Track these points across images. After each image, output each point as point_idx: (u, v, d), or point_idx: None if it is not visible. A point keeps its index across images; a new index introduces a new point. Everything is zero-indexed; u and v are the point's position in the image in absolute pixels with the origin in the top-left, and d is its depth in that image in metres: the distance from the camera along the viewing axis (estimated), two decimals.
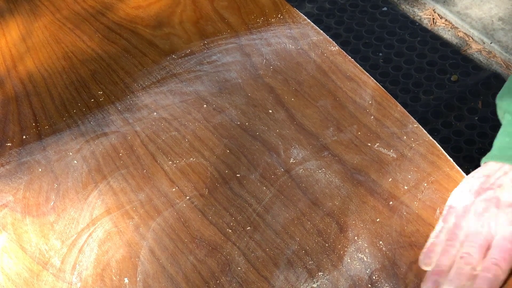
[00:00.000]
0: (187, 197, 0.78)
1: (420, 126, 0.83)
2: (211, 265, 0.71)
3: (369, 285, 0.68)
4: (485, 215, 0.64)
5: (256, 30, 0.99)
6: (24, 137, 0.87)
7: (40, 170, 0.82)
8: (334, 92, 0.88)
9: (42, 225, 0.76)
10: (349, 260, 0.70)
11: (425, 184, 0.76)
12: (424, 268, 0.66)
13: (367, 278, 0.68)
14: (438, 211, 0.74)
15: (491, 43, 2.00)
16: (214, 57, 0.95)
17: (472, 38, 2.05)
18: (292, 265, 0.70)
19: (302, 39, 0.97)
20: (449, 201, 0.68)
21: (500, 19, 2.09)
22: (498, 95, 0.72)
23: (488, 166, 0.68)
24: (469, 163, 1.59)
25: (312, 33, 0.97)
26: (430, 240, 0.67)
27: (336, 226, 0.73)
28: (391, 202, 0.75)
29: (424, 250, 0.67)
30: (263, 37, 0.97)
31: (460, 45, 2.04)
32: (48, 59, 0.98)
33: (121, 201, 0.78)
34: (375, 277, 0.68)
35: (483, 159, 0.70)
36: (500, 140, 0.70)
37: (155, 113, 0.88)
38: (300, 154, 0.81)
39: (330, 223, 0.73)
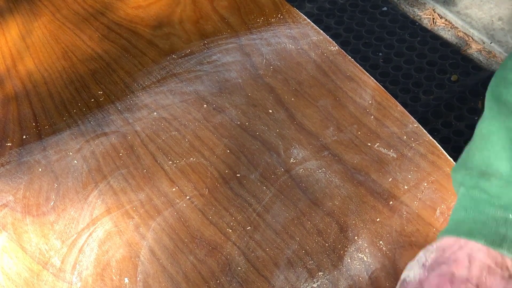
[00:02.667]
0: (187, 197, 0.77)
1: (420, 126, 0.83)
2: (211, 264, 0.71)
3: (369, 285, 0.68)
4: None
5: (256, 30, 0.99)
6: (24, 137, 0.87)
7: (40, 170, 0.82)
8: (334, 92, 0.88)
9: (42, 225, 0.76)
10: (349, 260, 0.70)
11: (425, 184, 0.76)
12: None
13: (367, 278, 0.68)
14: (438, 211, 0.74)
15: (491, 43, 2.00)
16: (214, 57, 0.95)
17: (472, 38, 2.05)
18: (292, 265, 0.70)
19: (302, 39, 0.97)
20: (403, 275, 0.66)
21: (500, 19, 2.09)
22: (453, 168, 0.71)
23: (444, 241, 0.67)
24: None
25: (312, 33, 0.97)
26: None
27: (336, 226, 0.73)
28: (391, 202, 0.75)
29: None
30: (263, 37, 0.97)
31: (460, 45, 2.04)
32: (48, 58, 0.98)
33: (121, 201, 0.78)
34: (375, 277, 0.68)
35: (439, 234, 0.69)
36: (455, 214, 0.69)
37: (155, 113, 0.88)
38: (300, 154, 0.81)
39: (330, 223, 0.73)
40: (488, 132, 0.69)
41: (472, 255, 0.64)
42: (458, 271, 0.63)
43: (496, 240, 0.64)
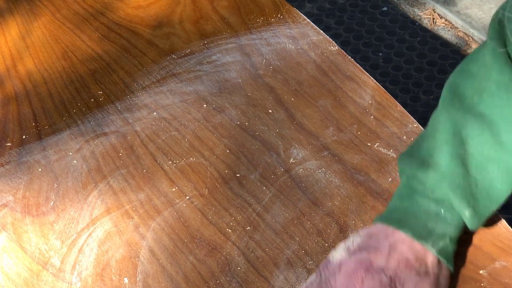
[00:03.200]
0: (187, 197, 0.78)
1: (420, 126, 0.83)
2: (211, 265, 0.71)
3: None
4: (353, 276, 0.62)
5: (256, 30, 0.99)
6: (24, 137, 0.87)
7: (40, 170, 0.82)
8: (334, 92, 0.88)
9: (42, 225, 0.76)
10: None
11: None
12: None
13: None
14: None
15: None
16: (214, 57, 0.95)
17: (472, 38, 2.05)
18: (292, 265, 0.70)
19: (302, 39, 0.97)
20: (329, 254, 0.66)
21: None
22: (399, 155, 0.71)
23: (374, 227, 0.66)
24: None
25: (312, 33, 0.97)
26: None
27: (336, 226, 0.73)
28: None
29: None
30: (263, 37, 0.97)
31: (460, 45, 2.04)
32: (48, 58, 0.98)
33: (121, 201, 0.78)
34: None
35: (374, 219, 0.68)
36: (392, 202, 0.68)
37: (155, 113, 0.88)
38: (300, 154, 0.81)
39: (330, 223, 0.73)
40: (437, 123, 0.68)
41: (395, 245, 0.64)
42: (377, 259, 0.63)
43: (422, 233, 0.64)
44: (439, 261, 0.64)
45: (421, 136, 0.70)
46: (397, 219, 0.66)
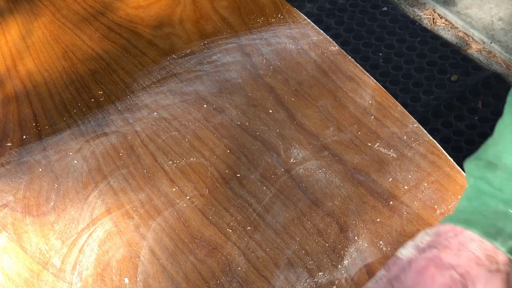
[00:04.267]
0: (187, 197, 0.78)
1: (420, 126, 0.83)
2: (211, 265, 0.71)
3: None
4: (423, 273, 0.63)
5: (256, 30, 0.99)
6: (24, 137, 0.87)
7: (40, 170, 0.82)
8: (334, 92, 0.88)
9: (42, 225, 0.76)
10: (349, 260, 0.70)
11: (425, 184, 0.76)
12: None
13: (367, 278, 0.68)
14: (438, 211, 0.74)
15: (491, 43, 2.00)
16: (214, 57, 0.95)
17: (472, 38, 2.05)
18: (292, 265, 0.70)
19: (302, 39, 0.97)
20: (398, 251, 0.67)
21: (500, 19, 2.09)
22: (466, 159, 0.71)
23: (442, 226, 0.67)
24: None
25: (312, 33, 0.97)
26: (369, 285, 0.66)
27: (336, 226, 0.73)
28: (391, 202, 0.75)
29: None
30: (263, 37, 0.97)
31: (460, 45, 2.04)
32: (48, 58, 0.98)
33: (121, 201, 0.78)
34: None
35: (441, 220, 0.69)
36: (459, 203, 0.69)
37: (155, 113, 0.88)
38: (300, 154, 0.81)
39: (330, 223, 0.73)
40: (503, 127, 0.69)
41: (464, 243, 0.64)
42: (447, 257, 0.64)
43: (491, 232, 0.64)
44: (510, 260, 0.64)
45: (487, 142, 0.71)
46: (465, 219, 0.66)
